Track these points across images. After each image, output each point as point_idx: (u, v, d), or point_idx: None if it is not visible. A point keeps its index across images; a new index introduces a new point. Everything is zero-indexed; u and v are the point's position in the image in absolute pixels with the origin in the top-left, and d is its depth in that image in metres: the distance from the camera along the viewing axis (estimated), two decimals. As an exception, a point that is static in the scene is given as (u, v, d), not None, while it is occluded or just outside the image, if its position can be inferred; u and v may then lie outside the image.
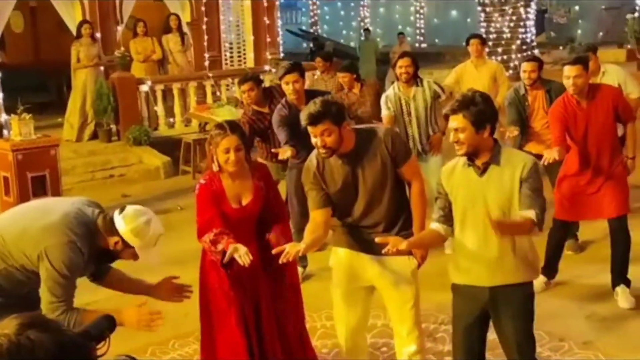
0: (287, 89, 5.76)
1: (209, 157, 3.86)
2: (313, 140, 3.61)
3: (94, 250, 3.31)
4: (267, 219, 3.98)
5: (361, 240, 3.76)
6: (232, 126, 3.84)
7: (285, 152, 5.53)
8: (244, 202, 3.88)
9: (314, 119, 3.54)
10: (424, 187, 3.79)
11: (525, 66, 6.10)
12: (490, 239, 3.34)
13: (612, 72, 6.42)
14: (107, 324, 2.09)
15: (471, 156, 3.36)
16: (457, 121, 3.30)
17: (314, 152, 3.77)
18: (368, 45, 17.76)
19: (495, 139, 3.42)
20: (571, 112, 5.12)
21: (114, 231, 3.26)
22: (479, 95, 3.35)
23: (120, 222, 3.25)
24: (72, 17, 11.34)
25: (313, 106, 3.58)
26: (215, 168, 3.83)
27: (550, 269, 5.50)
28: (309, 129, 3.58)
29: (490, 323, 3.57)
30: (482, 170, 3.36)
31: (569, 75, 5.04)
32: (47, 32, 13.67)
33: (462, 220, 3.43)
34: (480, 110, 3.29)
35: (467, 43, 7.99)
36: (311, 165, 3.74)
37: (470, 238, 3.41)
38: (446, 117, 3.37)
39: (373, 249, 3.71)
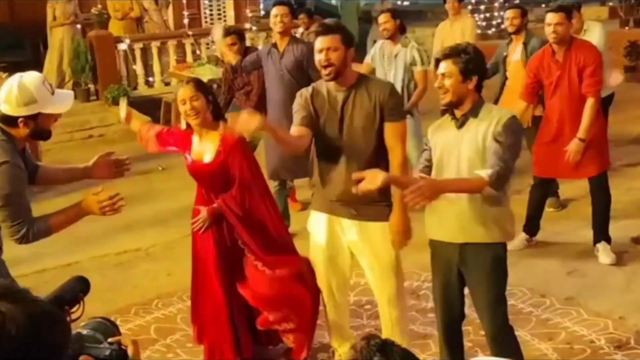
0: (276, 21, 5.73)
1: (176, 116, 3.88)
2: (317, 57, 3.55)
3: (22, 152, 3.20)
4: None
5: (341, 205, 3.71)
6: (189, 79, 3.81)
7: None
8: (205, 160, 3.85)
9: (327, 28, 3.56)
10: (405, 160, 3.66)
11: (508, 13, 6.29)
12: (462, 194, 3.32)
13: (593, 29, 6.40)
14: (81, 287, 2.01)
15: (453, 108, 3.36)
16: (445, 65, 3.31)
17: (314, 84, 3.76)
18: (350, 3, 17.57)
19: (480, 95, 3.39)
20: (546, 63, 5.12)
21: (13, 120, 3.10)
22: (472, 47, 3.38)
23: (7, 108, 3.09)
24: (47, -26, 11.10)
25: (328, 20, 3.68)
26: (182, 126, 3.82)
27: (531, 226, 5.53)
28: (318, 41, 3.54)
29: None
30: (461, 124, 3.35)
31: (550, 22, 5.02)
32: (22, -10, 13.35)
33: (438, 173, 3.41)
34: (470, 59, 3.29)
35: (445, 1, 7.98)
36: (306, 91, 3.72)
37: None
38: (437, 62, 3.37)
39: (353, 214, 3.70)
